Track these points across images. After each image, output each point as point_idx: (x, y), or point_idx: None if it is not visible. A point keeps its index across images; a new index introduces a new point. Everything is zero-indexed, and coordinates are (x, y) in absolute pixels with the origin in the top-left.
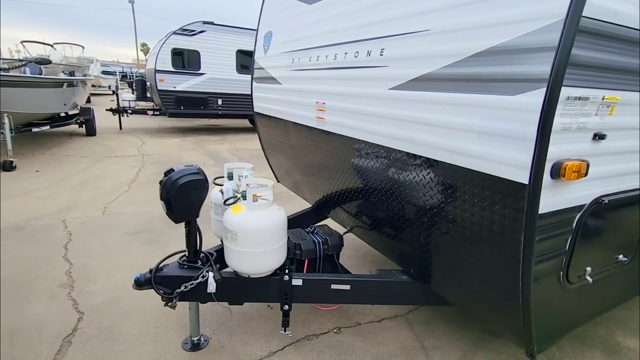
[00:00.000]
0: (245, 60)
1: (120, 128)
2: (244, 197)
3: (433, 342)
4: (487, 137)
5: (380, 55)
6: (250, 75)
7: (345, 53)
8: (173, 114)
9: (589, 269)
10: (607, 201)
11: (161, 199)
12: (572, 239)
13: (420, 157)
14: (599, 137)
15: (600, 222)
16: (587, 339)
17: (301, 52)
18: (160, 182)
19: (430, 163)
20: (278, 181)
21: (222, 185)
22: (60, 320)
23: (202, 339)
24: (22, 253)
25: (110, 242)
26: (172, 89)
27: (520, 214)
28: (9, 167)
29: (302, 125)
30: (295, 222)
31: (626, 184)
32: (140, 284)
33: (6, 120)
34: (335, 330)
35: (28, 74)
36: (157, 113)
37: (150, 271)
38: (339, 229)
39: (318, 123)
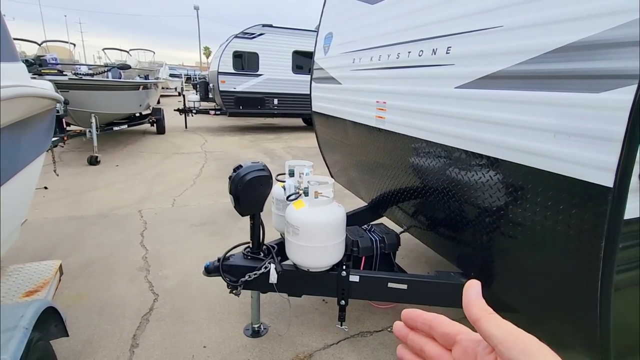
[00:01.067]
0: (300, 61)
1: (186, 127)
2: (306, 194)
3: None
4: (565, 137)
5: (447, 53)
6: (305, 75)
7: (409, 52)
8: (233, 114)
9: None
10: None
11: (230, 193)
12: None
13: (488, 157)
14: None
15: None
16: None
17: (362, 52)
18: (230, 178)
19: (497, 163)
20: (333, 179)
21: (284, 181)
22: (139, 300)
23: (262, 326)
24: (106, 239)
25: (179, 231)
26: (233, 89)
27: (601, 219)
28: (94, 161)
29: (361, 124)
30: (350, 219)
31: None
32: (210, 271)
33: (93, 120)
34: (389, 329)
35: (111, 79)
36: (219, 113)
37: (219, 260)
38: (395, 228)
39: (378, 122)
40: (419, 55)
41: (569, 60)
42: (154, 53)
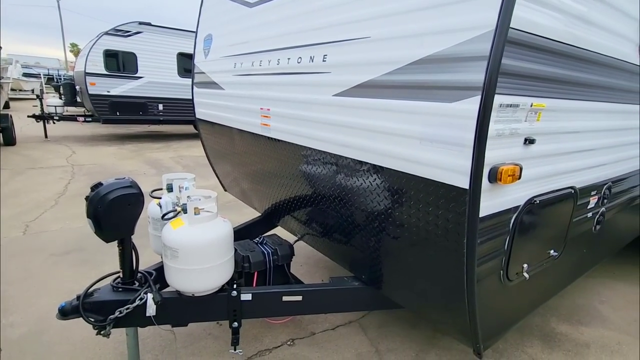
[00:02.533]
0: (187, 64)
1: (46, 136)
2: (185, 211)
3: (387, 345)
4: (429, 144)
5: (323, 61)
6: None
7: (288, 58)
8: (107, 120)
9: (525, 265)
10: (538, 201)
11: (88, 216)
12: (510, 239)
13: (367, 163)
14: (529, 141)
15: (533, 221)
16: (525, 328)
17: (243, 56)
18: (87, 198)
19: (376, 169)
20: (225, 190)
21: (160, 198)
22: None
23: None
24: None
25: (33, 265)
26: (106, 93)
27: (462, 217)
28: None
29: (246, 132)
30: (243, 232)
31: (554, 184)
32: (66, 312)
33: None
34: (289, 343)
35: None
36: (89, 120)
37: (78, 297)
38: (290, 237)
39: (263, 130)
40: (298, 63)
41: (426, 71)
42: (0, 48)
